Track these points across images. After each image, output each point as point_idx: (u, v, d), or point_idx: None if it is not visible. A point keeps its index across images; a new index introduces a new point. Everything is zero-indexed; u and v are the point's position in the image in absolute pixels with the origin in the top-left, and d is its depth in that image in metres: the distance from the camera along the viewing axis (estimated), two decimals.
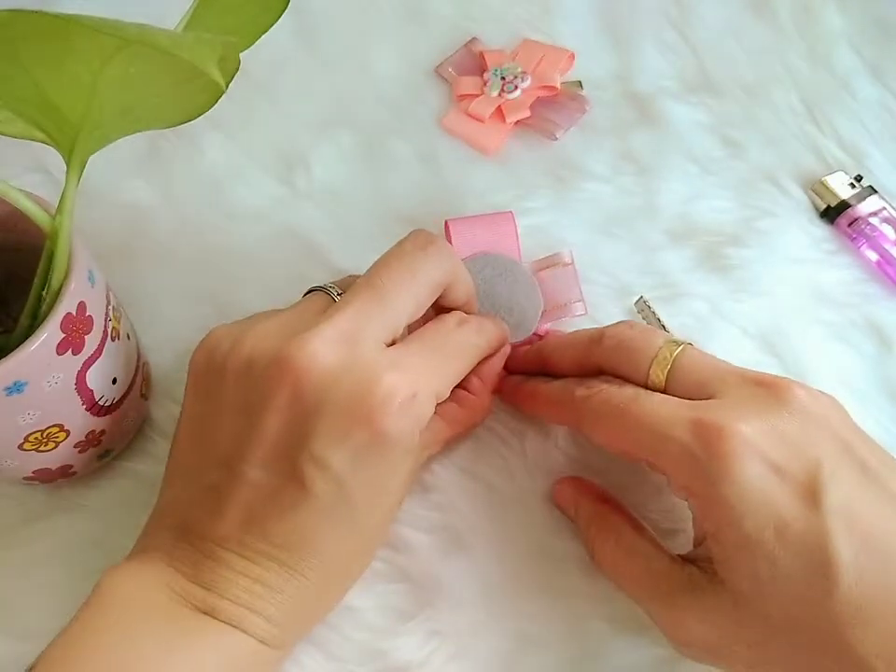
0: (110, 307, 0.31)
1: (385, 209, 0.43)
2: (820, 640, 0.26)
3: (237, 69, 0.25)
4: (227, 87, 0.24)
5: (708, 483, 0.27)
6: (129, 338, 0.34)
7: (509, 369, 0.37)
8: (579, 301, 0.39)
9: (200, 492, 0.29)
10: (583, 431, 0.33)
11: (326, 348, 0.28)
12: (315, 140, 0.46)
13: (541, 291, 0.39)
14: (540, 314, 0.38)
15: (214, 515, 0.28)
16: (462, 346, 0.33)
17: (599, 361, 0.33)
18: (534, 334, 0.38)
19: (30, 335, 0.27)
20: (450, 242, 0.37)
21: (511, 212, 0.39)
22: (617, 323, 0.34)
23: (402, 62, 0.49)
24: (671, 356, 0.31)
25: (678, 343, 0.31)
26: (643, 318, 0.40)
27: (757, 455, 0.27)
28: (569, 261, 0.39)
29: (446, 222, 0.38)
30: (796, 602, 0.26)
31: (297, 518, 0.28)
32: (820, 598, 0.26)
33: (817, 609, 0.26)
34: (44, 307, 0.29)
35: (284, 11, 0.28)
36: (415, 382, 0.28)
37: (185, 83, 0.24)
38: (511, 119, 0.46)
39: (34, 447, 0.30)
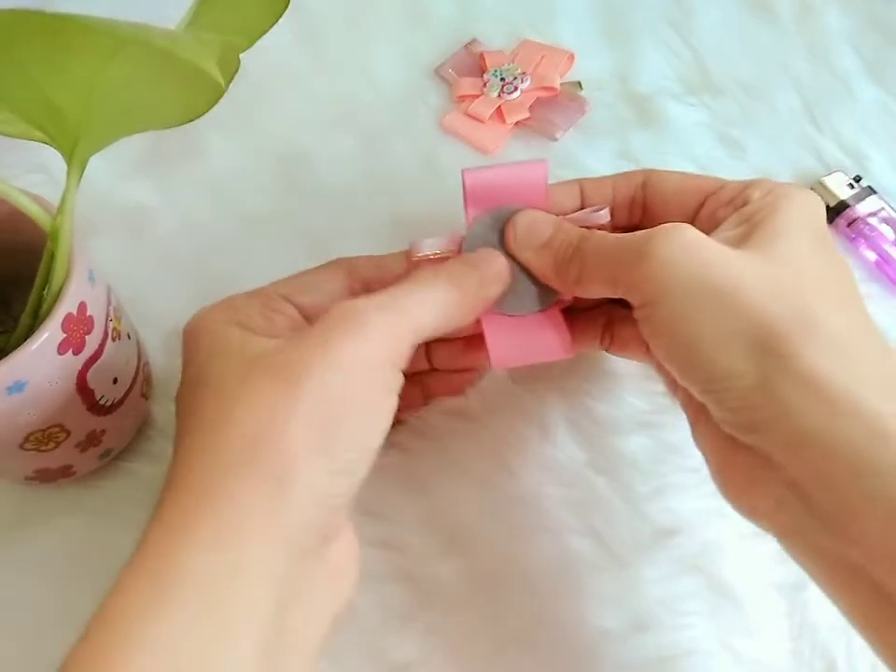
0: (111, 307, 0.31)
1: (385, 210, 0.43)
2: None
3: (237, 69, 0.25)
4: (227, 87, 0.24)
5: None
6: (130, 338, 0.34)
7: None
8: None
9: None
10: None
11: None
12: (315, 141, 0.46)
13: None
14: None
15: None
16: None
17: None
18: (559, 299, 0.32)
19: (31, 335, 0.27)
20: (465, 194, 0.32)
21: (545, 161, 0.32)
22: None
23: (402, 63, 0.49)
24: None
25: None
26: None
27: None
28: (607, 218, 0.32)
29: (463, 172, 0.32)
30: None
31: None
32: None
33: None
34: (45, 307, 0.29)
35: (284, 12, 0.28)
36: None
37: (185, 83, 0.24)
38: (510, 119, 0.46)
39: (34, 447, 0.30)
